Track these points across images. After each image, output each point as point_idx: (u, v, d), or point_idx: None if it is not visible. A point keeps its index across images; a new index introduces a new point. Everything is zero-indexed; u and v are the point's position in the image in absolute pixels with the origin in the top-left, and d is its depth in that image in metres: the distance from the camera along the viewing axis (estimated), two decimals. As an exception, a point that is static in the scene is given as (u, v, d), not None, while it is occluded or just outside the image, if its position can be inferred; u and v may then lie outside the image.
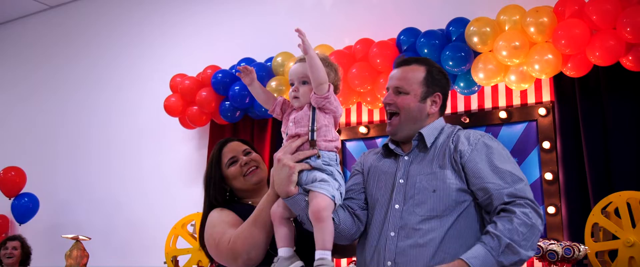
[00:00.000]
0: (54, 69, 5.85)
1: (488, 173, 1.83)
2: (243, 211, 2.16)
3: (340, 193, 1.91)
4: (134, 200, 4.90)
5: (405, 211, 1.85)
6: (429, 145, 1.95)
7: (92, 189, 5.04)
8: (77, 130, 5.44)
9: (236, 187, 2.25)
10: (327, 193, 1.84)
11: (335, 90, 1.98)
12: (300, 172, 1.88)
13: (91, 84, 5.52)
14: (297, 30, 1.87)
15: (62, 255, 4.04)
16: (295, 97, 1.95)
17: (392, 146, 2.02)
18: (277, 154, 1.91)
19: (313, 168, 1.88)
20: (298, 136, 1.92)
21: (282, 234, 1.91)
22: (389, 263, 1.83)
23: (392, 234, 1.85)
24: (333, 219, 1.86)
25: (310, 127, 1.90)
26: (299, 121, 1.92)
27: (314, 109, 1.92)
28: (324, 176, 1.87)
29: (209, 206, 2.25)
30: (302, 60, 1.94)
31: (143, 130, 5.09)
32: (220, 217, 2.16)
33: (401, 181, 1.92)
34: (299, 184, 1.88)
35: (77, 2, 5.86)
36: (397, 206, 1.87)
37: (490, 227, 1.75)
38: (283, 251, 1.89)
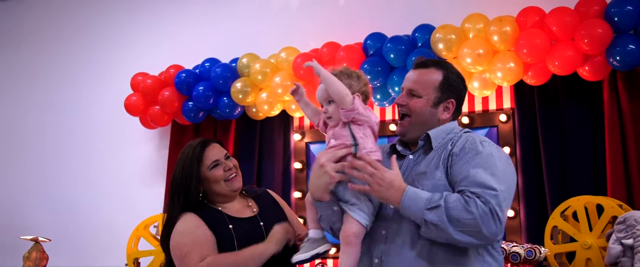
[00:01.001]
0: (8, 64, 5.59)
1: (468, 173, 1.79)
2: (212, 217, 2.16)
3: (373, 216, 1.89)
4: (94, 201, 4.74)
5: (397, 210, 1.84)
6: (434, 146, 1.93)
7: (50, 189, 4.83)
8: (35, 128, 5.20)
9: (213, 191, 2.22)
10: (361, 220, 1.84)
11: (365, 100, 1.94)
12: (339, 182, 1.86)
13: (49, 81, 5.28)
14: (308, 62, 1.92)
15: (19, 257, 3.87)
16: (328, 118, 1.92)
17: (399, 148, 2.01)
18: (321, 159, 1.87)
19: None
20: (344, 145, 1.88)
21: (313, 216, 1.95)
22: (376, 261, 1.86)
23: (384, 232, 1.87)
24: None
25: (352, 142, 1.86)
26: (338, 136, 1.90)
27: (348, 124, 1.89)
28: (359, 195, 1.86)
29: (180, 207, 2.20)
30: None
31: (103, 129, 4.92)
32: (189, 228, 2.13)
33: None
34: (333, 191, 1.88)
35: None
36: (391, 205, 1.85)
37: (446, 192, 1.77)
38: (313, 233, 1.94)
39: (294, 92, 2.05)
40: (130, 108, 4.45)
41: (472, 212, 1.69)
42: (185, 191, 2.19)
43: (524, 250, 3.10)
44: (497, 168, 1.79)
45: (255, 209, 2.28)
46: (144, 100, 4.43)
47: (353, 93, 1.88)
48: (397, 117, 2.03)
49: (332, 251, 1.91)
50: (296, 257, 1.94)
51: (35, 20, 5.51)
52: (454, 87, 1.98)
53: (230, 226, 2.15)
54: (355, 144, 1.86)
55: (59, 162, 4.99)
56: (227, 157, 2.25)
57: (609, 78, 3.32)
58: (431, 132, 1.94)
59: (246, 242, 2.12)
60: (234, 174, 2.23)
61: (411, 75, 2.01)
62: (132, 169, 4.69)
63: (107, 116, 4.86)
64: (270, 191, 2.46)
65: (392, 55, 3.65)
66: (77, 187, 4.84)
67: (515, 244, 3.17)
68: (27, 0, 5.63)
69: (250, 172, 4.22)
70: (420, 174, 1.88)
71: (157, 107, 4.37)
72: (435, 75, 1.96)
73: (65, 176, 4.92)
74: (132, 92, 4.50)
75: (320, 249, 1.92)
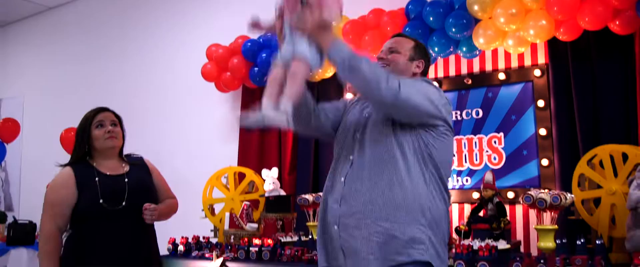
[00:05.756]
0: (111, 41, 6.12)
1: None
2: (83, 171, 2.55)
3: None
4: (177, 155, 5.13)
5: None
6: None
7: (141, 145, 5.23)
8: (129, 93, 5.71)
9: (94, 146, 2.61)
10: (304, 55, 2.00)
11: None
12: None
13: (143, 54, 5.78)
14: None
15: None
16: None
17: None
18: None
19: None
20: None
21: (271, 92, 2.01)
22: (341, 179, 2.09)
23: (351, 157, 2.11)
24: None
25: None
26: None
27: None
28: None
29: (70, 158, 2.64)
30: None
31: (184, 93, 5.30)
32: (57, 184, 2.54)
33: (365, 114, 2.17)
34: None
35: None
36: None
37: None
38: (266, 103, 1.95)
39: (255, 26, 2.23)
40: (206, 75, 4.75)
41: (380, 74, 1.92)
42: (77, 143, 2.62)
43: (550, 196, 3.12)
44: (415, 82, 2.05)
45: (126, 169, 2.64)
46: (218, 67, 4.71)
47: None
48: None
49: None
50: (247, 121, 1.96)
51: (135, 6, 5.98)
52: (423, 52, 2.28)
53: (97, 179, 2.52)
54: None
55: (148, 122, 5.43)
56: (113, 124, 2.64)
57: (640, 31, 3.21)
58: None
59: (110, 192, 2.51)
60: (112, 136, 2.62)
61: (390, 41, 2.30)
62: (209, 128, 5.01)
63: (188, 83, 5.22)
64: (146, 160, 2.81)
65: (431, 18, 3.68)
66: (163, 143, 5.26)
67: (542, 191, 3.19)
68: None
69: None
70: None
71: (228, 73, 4.65)
72: (410, 41, 2.28)
73: (153, 133, 5.37)
74: (207, 61, 4.80)
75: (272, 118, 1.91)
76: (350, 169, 2.06)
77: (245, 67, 4.54)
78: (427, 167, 2.00)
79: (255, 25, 2.22)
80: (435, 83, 2.26)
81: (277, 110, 1.90)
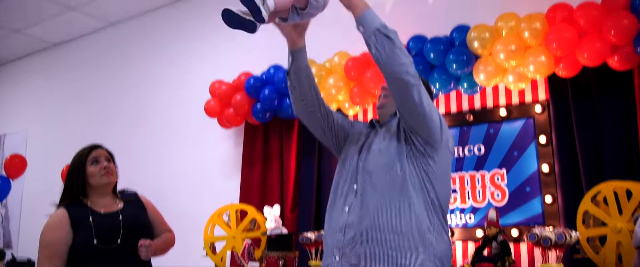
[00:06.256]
0: (112, 76, 6.17)
1: None
2: (77, 211, 2.50)
3: None
4: (178, 191, 5.10)
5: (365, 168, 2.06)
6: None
7: (142, 181, 5.21)
8: (130, 130, 5.72)
9: (90, 183, 2.57)
10: None
11: None
12: None
13: (144, 91, 5.80)
14: None
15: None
16: None
17: (374, 122, 2.22)
18: None
19: None
20: None
21: None
22: (346, 209, 2.02)
23: (355, 187, 2.03)
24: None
25: None
26: None
27: None
28: None
29: (62, 196, 2.59)
30: None
31: (186, 129, 5.30)
32: (52, 224, 2.48)
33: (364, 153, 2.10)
34: None
35: (133, 19, 6.13)
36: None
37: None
38: None
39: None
40: (208, 111, 4.76)
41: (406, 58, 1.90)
42: (70, 181, 2.57)
43: (555, 234, 3.07)
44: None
45: (120, 206, 2.60)
46: (220, 103, 4.72)
47: None
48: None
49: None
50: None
51: (138, 43, 6.04)
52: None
53: (91, 219, 2.47)
54: None
55: (149, 157, 5.43)
56: (107, 160, 2.61)
57: (639, 67, 3.20)
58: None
59: (105, 231, 2.46)
60: (108, 172, 2.59)
61: None
62: (211, 164, 5.00)
63: (190, 118, 5.23)
64: (140, 195, 2.77)
65: (432, 55, 3.70)
66: (164, 179, 5.24)
67: (546, 229, 3.14)
68: (126, 28, 6.16)
69: (311, 166, 4.40)
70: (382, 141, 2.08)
71: (231, 109, 4.65)
72: None
73: (154, 169, 5.36)
74: (210, 97, 4.81)
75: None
76: (354, 199, 1.99)
77: (248, 104, 4.55)
78: (431, 200, 1.95)
79: None
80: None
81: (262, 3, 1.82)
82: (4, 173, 5.05)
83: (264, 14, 1.82)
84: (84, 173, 2.57)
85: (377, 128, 2.15)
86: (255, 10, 1.83)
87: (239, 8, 1.86)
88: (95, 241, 2.44)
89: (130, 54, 6.07)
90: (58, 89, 6.75)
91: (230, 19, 1.88)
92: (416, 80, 1.88)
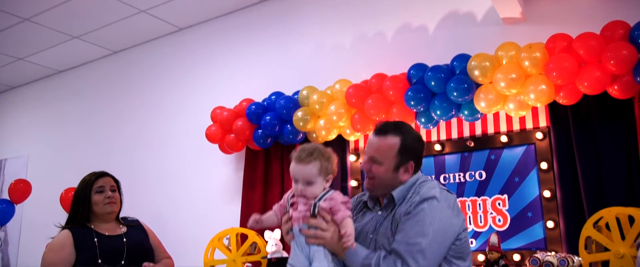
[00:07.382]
0: (114, 101, 6.15)
1: (400, 232, 1.87)
2: (82, 233, 2.53)
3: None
4: (179, 215, 5.06)
5: None
6: (397, 204, 1.98)
7: (144, 206, 5.19)
8: (131, 155, 5.68)
9: (94, 211, 2.60)
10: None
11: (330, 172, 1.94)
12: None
13: (145, 117, 5.78)
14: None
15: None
16: (302, 195, 1.95)
17: (369, 205, 2.10)
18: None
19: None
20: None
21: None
22: None
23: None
24: None
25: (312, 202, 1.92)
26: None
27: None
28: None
29: (67, 220, 2.62)
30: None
31: (188, 154, 5.27)
32: (57, 245, 2.49)
33: (370, 236, 1.99)
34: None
35: (134, 48, 6.15)
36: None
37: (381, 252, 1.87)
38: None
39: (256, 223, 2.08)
40: (210, 137, 4.74)
41: None
42: (76, 207, 2.60)
43: (558, 259, 3.06)
44: (424, 221, 1.85)
45: (124, 230, 2.65)
46: (222, 129, 4.71)
47: (327, 174, 1.89)
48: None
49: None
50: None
51: (139, 70, 6.04)
52: (412, 150, 2.01)
53: (95, 240, 2.51)
54: (314, 204, 1.88)
55: (150, 182, 5.39)
56: (112, 189, 2.65)
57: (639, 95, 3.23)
58: (394, 193, 1.99)
59: (110, 252, 2.48)
60: (111, 201, 2.62)
61: (373, 141, 2.02)
62: (212, 189, 4.96)
63: (193, 144, 5.21)
64: (142, 222, 2.82)
65: (433, 83, 3.71)
66: (165, 203, 5.19)
67: (548, 254, 3.13)
68: (128, 55, 6.17)
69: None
70: (384, 232, 1.95)
71: (232, 135, 4.64)
72: (394, 141, 1.98)
73: (155, 194, 5.31)
74: (211, 123, 4.80)
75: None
76: None
77: (249, 130, 4.54)
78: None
79: (257, 222, 2.09)
80: (442, 187, 2.00)
81: None
82: (5, 197, 4.99)
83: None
84: (89, 201, 2.61)
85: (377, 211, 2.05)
86: None
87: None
88: (99, 261, 2.43)
89: (131, 80, 6.07)
90: (59, 115, 6.72)
91: None
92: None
